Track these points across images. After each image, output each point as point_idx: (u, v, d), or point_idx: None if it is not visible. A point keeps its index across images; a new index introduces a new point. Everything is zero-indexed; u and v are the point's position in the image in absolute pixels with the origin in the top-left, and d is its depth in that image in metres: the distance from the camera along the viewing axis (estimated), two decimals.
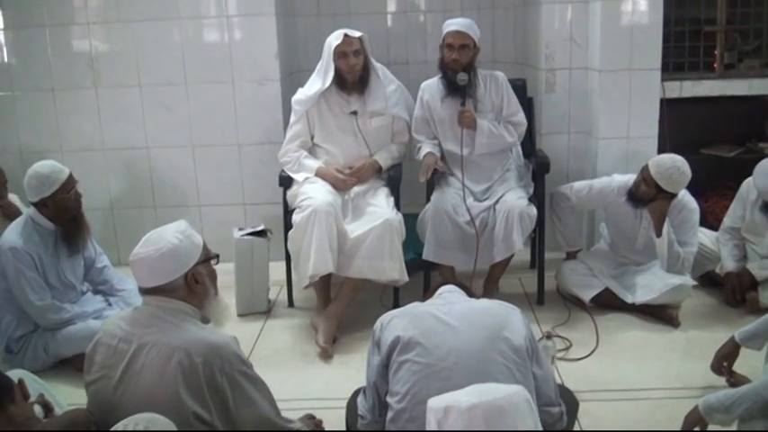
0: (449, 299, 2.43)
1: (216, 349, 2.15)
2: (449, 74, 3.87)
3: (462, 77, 3.80)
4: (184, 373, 2.10)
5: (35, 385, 2.38)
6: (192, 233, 2.31)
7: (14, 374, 2.19)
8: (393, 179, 3.98)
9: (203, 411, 2.11)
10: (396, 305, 3.86)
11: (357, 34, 3.87)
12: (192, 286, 2.27)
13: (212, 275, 2.38)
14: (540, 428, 1.59)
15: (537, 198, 3.94)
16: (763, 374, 2.73)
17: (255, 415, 2.22)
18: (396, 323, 2.24)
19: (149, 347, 2.14)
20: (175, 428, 1.87)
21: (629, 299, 3.81)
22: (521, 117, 4.02)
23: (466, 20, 3.92)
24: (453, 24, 3.87)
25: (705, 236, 4.09)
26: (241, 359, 2.22)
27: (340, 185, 3.88)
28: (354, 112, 3.97)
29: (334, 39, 3.85)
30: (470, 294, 2.55)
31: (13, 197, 4.03)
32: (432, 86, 4.03)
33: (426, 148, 3.98)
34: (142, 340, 2.16)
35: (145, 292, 2.27)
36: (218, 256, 2.41)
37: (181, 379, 2.09)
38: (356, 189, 3.91)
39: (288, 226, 3.80)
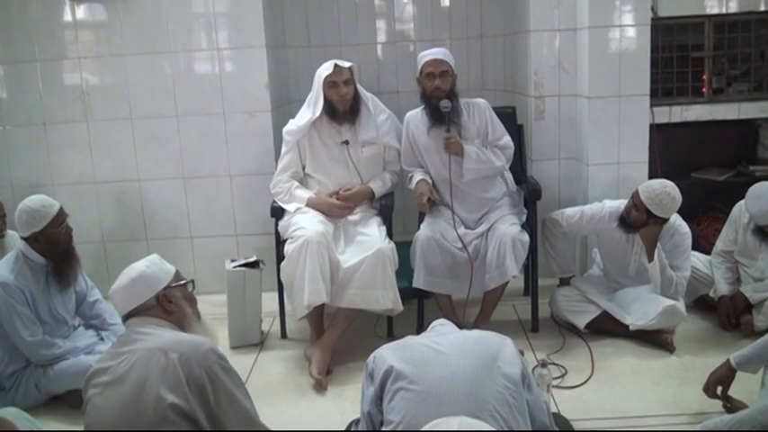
0: (441, 331, 2.46)
1: (193, 345, 2.19)
2: (432, 102, 3.88)
3: (446, 104, 3.81)
4: (164, 371, 2.10)
5: (26, 423, 2.36)
6: (161, 262, 2.45)
7: (6, 412, 2.17)
8: (385, 208, 3.98)
9: (183, 402, 2.08)
10: (390, 334, 3.85)
11: (347, 65, 3.91)
12: (165, 305, 2.36)
13: (189, 298, 2.46)
14: None
15: (529, 225, 3.94)
16: (760, 399, 2.72)
17: (239, 412, 2.20)
18: (389, 354, 2.25)
19: (133, 358, 2.17)
20: None
21: (627, 320, 3.79)
22: (507, 140, 4.02)
23: (440, 48, 3.98)
24: (430, 54, 3.91)
25: (698, 260, 4.09)
26: (217, 354, 2.21)
27: (334, 213, 3.88)
28: (346, 142, 3.98)
29: (325, 69, 3.88)
30: (461, 327, 2.56)
31: (12, 234, 3.91)
32: (416, 117, 4.03)
33: (418, 176, 3.99)
34: (127, 354, 2.19)
35: (125, 318, 2.36)
36: (192, 282, 2.50)
37: (160, 377, 2.10)
38: (348, 218, 3.91)
39: (280, 257, 3.79)
